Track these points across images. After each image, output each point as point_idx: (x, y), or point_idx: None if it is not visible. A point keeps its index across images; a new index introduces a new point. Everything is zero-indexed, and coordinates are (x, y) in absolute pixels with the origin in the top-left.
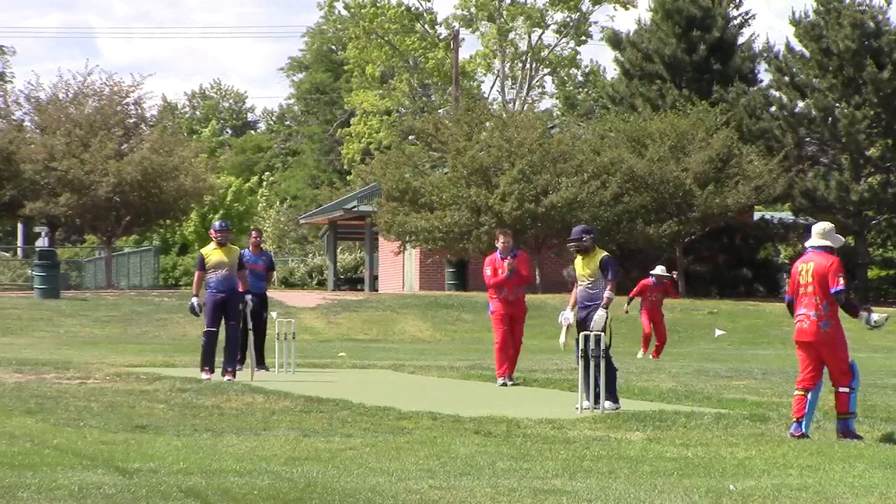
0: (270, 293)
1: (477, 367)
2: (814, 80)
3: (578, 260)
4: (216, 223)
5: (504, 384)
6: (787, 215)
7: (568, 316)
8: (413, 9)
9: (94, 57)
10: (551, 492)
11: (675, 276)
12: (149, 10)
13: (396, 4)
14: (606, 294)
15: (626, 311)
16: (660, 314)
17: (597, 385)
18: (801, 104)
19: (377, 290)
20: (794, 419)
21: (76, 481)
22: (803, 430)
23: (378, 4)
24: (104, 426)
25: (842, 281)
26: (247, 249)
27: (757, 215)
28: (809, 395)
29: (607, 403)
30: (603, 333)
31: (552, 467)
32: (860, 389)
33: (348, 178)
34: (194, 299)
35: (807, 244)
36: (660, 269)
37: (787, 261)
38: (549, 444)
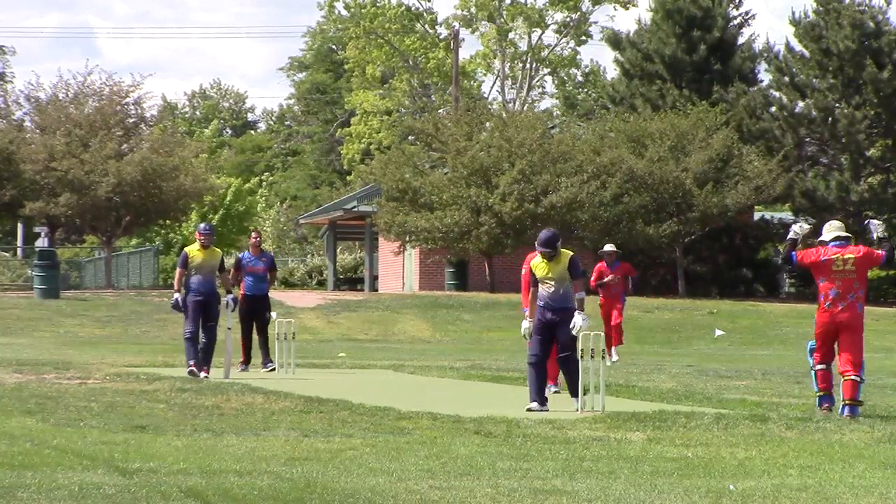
0: (271, 293)
1: (477, 367)
2: (814, 80)
3: (540, 261)
4: (202, 225)
5: (555, 391)
6: (787, 215)
7: (526, 326)
8: (413, 9)
9: (94, 57)
10: (551, 492)
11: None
12: (149, 10)
13: (396, 4)
14: (579, 296)
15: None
16: (619, 303)
17: (574, 384)
18: (801, 104)
19: (377, 290)
20: (825, 392)
21: (76, 481)
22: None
23: (378, 4)
24: (104, 426)
25: (879, 251)
26: (247, 252)
27: (757, 215)
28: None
29: (575, 400)
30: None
31: (552, 467)
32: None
33: (348, 178)
34: (177, 295)
35: (829, 238)
36: (609, 247)
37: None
38: (549, 444)
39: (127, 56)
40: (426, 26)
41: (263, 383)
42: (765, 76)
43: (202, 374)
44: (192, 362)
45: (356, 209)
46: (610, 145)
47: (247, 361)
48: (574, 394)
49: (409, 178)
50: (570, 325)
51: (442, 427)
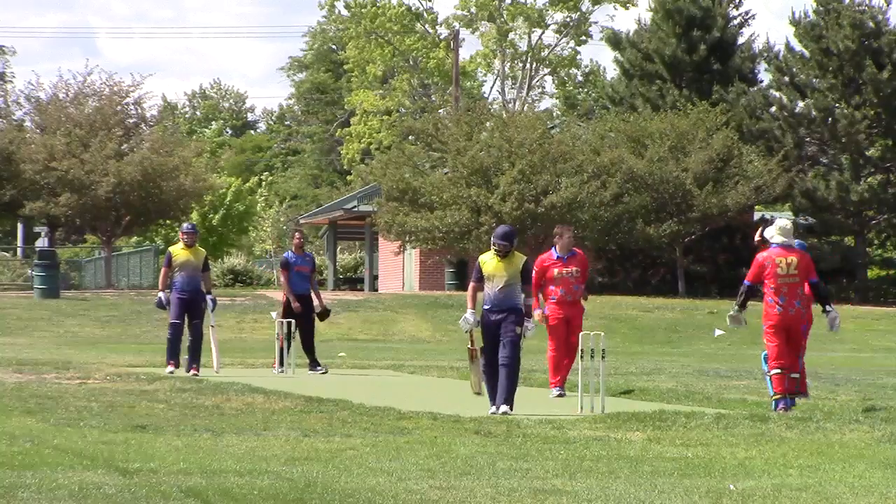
0: (271, 293)
1: None
2: (814, 80)
3: (492, 260)
4: (185, 225)
5: (560, 394)
6: (787, 215)
7: (469, 319)
8: (413, 9)
9: (94, 57)
10: (551, 492)
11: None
12: (148, 10)
13: (397, 4)
14: (528, 302)
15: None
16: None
17: (505, 389)
18: (801, 104)
19: (377, 290)
20: (782, 396)
21: (76, 481)
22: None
23: (378, 4)
24: (104, 426)
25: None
26: (290, 252)
27: (757, 215)
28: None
29: (504, 407)
30: (522, 337)
31: (552, 467)
32: (860, 389)
33: (348, 178)
34: (161, 294)
35: (776, 241)
36: None
37: None
38: (549, 444)
39: (127, 56)
40: (426, 26)
41: (263, 383)
42: (765, 76)
43: (191, 372)
44: (171, 362)
45: (356, 209)
46: (610, 145)
47: (315, 363)
48: (507, 401)
49: (409, 178)
50: (518, 328)
51: (442, 427)
